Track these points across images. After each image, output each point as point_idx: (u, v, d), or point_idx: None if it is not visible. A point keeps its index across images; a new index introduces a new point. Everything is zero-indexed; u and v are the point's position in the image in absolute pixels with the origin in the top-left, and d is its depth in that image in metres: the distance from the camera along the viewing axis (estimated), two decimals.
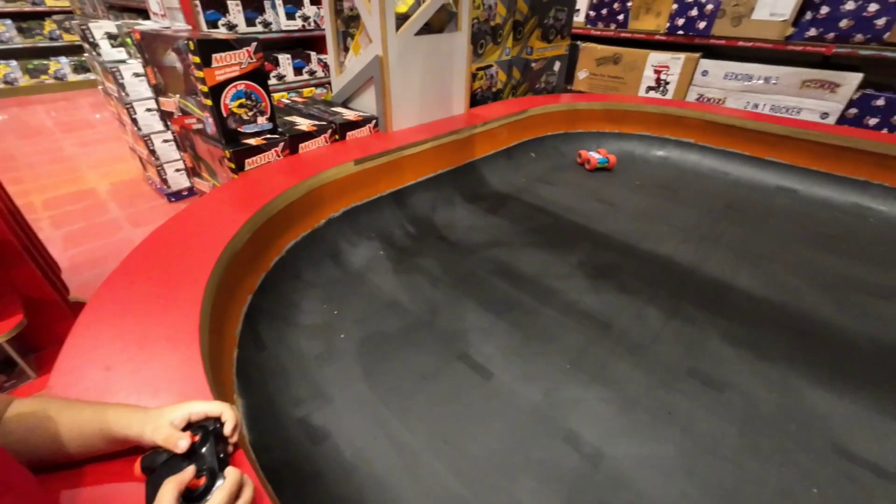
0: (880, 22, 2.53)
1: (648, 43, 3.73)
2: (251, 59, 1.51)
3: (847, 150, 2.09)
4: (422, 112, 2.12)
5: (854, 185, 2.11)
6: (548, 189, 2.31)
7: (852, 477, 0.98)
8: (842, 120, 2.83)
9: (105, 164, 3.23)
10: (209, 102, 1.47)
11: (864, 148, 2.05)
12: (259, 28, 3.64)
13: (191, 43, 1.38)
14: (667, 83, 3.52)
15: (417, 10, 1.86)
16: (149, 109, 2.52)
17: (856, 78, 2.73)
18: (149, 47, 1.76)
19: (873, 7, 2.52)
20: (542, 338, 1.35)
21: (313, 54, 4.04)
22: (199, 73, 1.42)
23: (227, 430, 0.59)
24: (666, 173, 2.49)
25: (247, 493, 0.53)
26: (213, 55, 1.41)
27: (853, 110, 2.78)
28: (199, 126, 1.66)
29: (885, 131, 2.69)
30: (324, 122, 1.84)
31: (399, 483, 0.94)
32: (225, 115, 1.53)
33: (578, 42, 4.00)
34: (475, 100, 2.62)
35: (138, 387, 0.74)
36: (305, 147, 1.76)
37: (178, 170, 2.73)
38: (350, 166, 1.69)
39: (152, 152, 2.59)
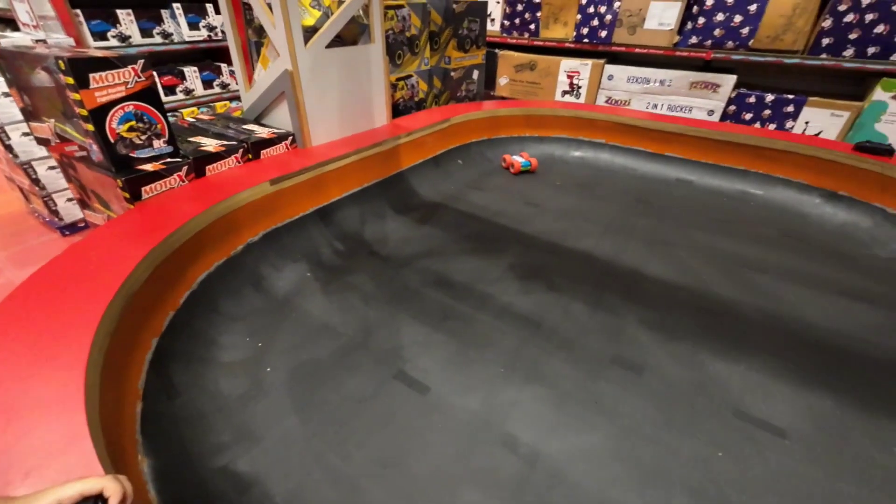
0: (745, 31, 2.92)
1: (560, 50, 3.98)
2: (139, 77, 1.38)
3: (728, 143, 2.38)
4: (342, 125, 2.07)
5: (737, 174, 2.41)
6: (477, 195, 2.36)
7: (751, 437, 1.10)
8: (724, 116, 3.21)
9: None
10: (91, 128, 1.32)
11: (741, 141, 2.34)
12: (158, 39, 3.34)
13: (61, 62, 1.22)
14: (579, 87, 3.77)
15: (326, 22, 1.81)
16: (25, 133, 2.21)
17: (731, 79, 3.12)
18: (10, 66, 1.53)
19: (738, 18, 2.91)
20: (477, 344, 1.37)
21: (224, 66, 3.80)
22: (76, 96, 1.27)
23: None
24: (583, 172, 2.66)
25: None
26: (91, 75, 1.26)
27: (732, 107, 3.17)
28: (83, 153, 1.48)
29: (757, 125, 3.10)
30: (234, 142, 1.72)
31: None
32: (112, 140, 1.38)
33: (497, 50, 4.17)
34: (398, 110, 2.62)
35: (4, 470, 0.63)
36: (214, 169, 1.64)
37: (70, 199, 2.41)
38: (266, 187, 1.60)
39: (35, 181, 2.26)
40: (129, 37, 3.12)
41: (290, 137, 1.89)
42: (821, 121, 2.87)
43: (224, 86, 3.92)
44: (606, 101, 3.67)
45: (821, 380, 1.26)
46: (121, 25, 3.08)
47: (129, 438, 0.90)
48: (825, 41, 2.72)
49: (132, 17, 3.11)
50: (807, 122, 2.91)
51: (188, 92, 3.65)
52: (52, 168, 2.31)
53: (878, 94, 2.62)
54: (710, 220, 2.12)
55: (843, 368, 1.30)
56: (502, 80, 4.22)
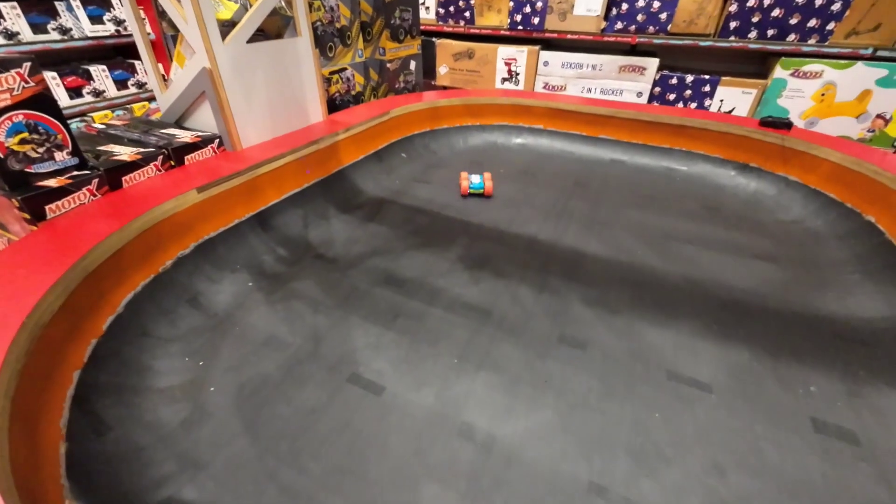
0: (663, 16, 3.10)
1: (496, 38, 4.01)
2: (26, 82, 1.23)
3: (653, 123, 2.54)
4: (274, 124, 1.98)
5: (663, 152, 2.58)
6: (423, 188, 2.36)
7: (681, 395, 1.21)
8: (651, 98, 3.42)
9: None
10: None
11: (664, 121, 2.51)
12: (55, 35, 2.99)
13: None
14: (517, 74, 3.84)
15: (244, 15, 1.70)
16: None
17: (654, 62, 3.32)
18: None
19: (657, 4, 3.07)
20: (429, 339, 1.38)
21: (138, 63, 3.48)
22: None
23: None
24: (525, 158, 2.73)
25: None
26: None
27: (657, 89, 3.37)
28: None
29: (679, 105, 3.33)
30: (151, 149, 1.59)
31: None
32: (2, 155, 1.22)
33: (434, 39, 4.13)
34: (335, 105, 2.53)
35: None
36: (131, 180, 1.51)
37: None
38: (193, 195, 1.50)
39: None
40: (17, 33, 2.76)
41: (217, 140, 1.77)
42: (733, 98, 3.14)
43: (140, 85, 3.60)
44: (544, 87, 3.77)
45: (738, 335, 1.40)
46: (4, 21, 2.72)
47: (54, 484, 0.83)
48: (732, 24, 2.96)
49: (18, 11, 2.75)
50: (721, 100, 3.17)
51: (98, 93, 3.31)
52: None
53: (779, 72, 2.90)
54: (641, 198, 2.26)
55: (755, 323, 1.46)
56: (442, 69, 4.20)
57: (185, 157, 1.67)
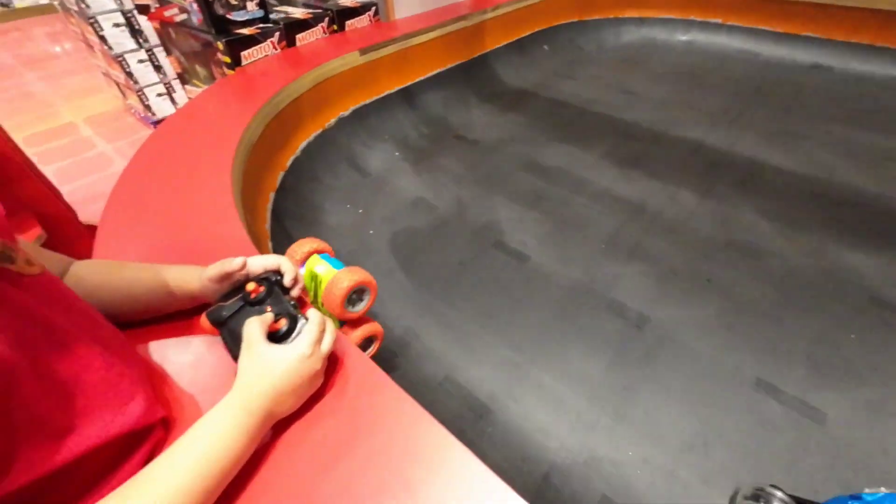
0: None
1: None
2: None
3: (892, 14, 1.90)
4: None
5: (892, 55, 1.96)
6: (567, 83, 2.15)
7: (888, 322, 1.01)
8: None
9: (79, 97, 2.95)
10: None
11: None
12: None
13: None
14: None
15: None
16: (116, 24, 2.24)
17: None
18: None
19: None
20: (574, 224, 1.33)
21: None
22: None
23: (286, 281, 0.55)
24: (690, 59, 2.31)
25: (330, 333, 0.51)
26: None
27: None
28: (183, 17, 1.47)
29: None
30: (319, 10, 1.64)
31: (451, 351, 0.97)
32: None
33: None
34: None
35: (190, 260, 0.71)
36: (303, 39, 1.59)
37: (159, 94, 2.49)
38: (355, 57, 1.54)
39: (129, 75, 2.34)
40: None
41: (374, 7, 1.76)
42: None
43: None
44: None
45: None
46: None
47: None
48: None
49: None
50: None
51: None
52: (141, 62, 2.36)
53: None
54: (853, 112, 1.79)
55: None
56: None
57: (346, 22, 1.70)
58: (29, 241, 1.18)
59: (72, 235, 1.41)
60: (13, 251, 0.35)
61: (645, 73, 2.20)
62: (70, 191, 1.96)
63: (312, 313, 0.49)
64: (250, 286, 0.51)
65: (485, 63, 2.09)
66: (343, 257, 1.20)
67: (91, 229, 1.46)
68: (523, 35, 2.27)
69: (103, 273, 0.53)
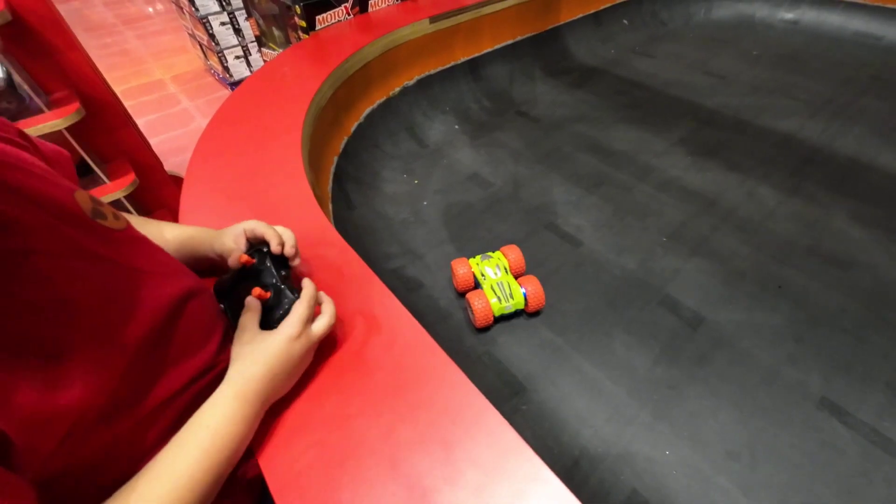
0: None
1: None
2: None
3: None
4: None
5: None
6: (644, 61, 1.99)
7: None
8: None
9: (167, 56, 3.19)
10: None
11: None
12: None
13: None
14: None
15: None
16: None
17: None
18: None
19: None
20: (635, 212, 1.26)
21: None
22: None
23: (287, 251, 0.51)
24: (794, 40, 2.04)
25: (328, 308, 0.48)
26: None
27: None
28: None
29: None
30: None
31: (493, 327, 0.98)
32: None
33: None
34: None
35: (260, 214, 0.76)
36: (374, 5, 1.59)
37: (237, 57, 2.63)
38: (425, 25, 1.52)
39: (212, 37, 2.49)
40: None
41: None
42: None
43: None
44: None
45: None
46: None
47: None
48: None
49: None
50: None
51: None
52: (223, 24, 2.49)
53: None
54: None
55: None
56: None
57: None
58: (124, 186, 1.32)
59: (160, 182, 1.56)
60: (103, 207, 0.38)
61: (735, 53, 1.98)
62: (156, 143, 2.15)
63: (305, 289, 0.47)
64: (242, 258, 0.49)
65: (557, 36, 1.99)
66: (395, 226, 1.24)
67: (174, 179, 1.61)
68: (602, 7, 2.12)
69: (154, 232, 0.53)
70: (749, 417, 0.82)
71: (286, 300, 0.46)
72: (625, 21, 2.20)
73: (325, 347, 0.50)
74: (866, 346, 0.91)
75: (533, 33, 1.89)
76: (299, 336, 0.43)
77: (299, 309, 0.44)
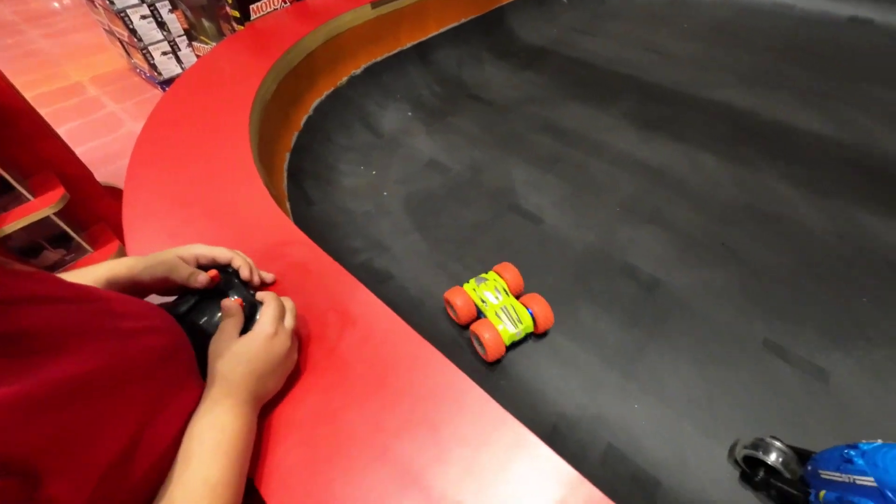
0: None
1: None
2: None
3: None
4: None
5: None
6: (586, 40, 2.05)
7: None
8: None
9: (84, 56, 2.89)
10: None
11: None
12: None
13: None
14: None
15: None
16: None
17: None
18: None
19: None
20: (591, 187, 1.31)
21: None
22: None
23: (243, 274, 0.51)
24: (721, 14, 2.17)
25: (290, 311, 0.48)
26: None
27: None
28: None
29: None
30: None
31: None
32: None
33: None
34: None
35: (218, 219, 0.72)
36: None
37: (164, 53, 2.42)
38: (367, 11, 1.48)
39: (132, 32, 2.28)
40: None
41: None
42: None
43: None
44: None
45: None
46: None
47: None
48: None
49: None
50: None
51: None
52: (144, 17, 2.27)
53: None
54: (893, 71, 1.69)
55: None
56: None
57: None
58: (53, 202, 1.20)
59: (93, 194, 1.43)
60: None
61: (670, 29, 2.08)
62: (82, 152, 1.96)
63: (267, 296, 0.47)
64: (211, 273, 0.48)
65: (502, 17, 2.00)
66: (358, 219, 1.22)
67: (109, 190, 1.48)
68: None
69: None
70: (705, 366, 0.89)
71: (258, 309, 0.46)
72: (564, 1, 2.24)
73: (303, 345, 0.50)
74: (799, 291, 1.01)
75: (477, 14, 1.89)
76: (276, 333, 0.43)
77: (269, 309, 0.45)
